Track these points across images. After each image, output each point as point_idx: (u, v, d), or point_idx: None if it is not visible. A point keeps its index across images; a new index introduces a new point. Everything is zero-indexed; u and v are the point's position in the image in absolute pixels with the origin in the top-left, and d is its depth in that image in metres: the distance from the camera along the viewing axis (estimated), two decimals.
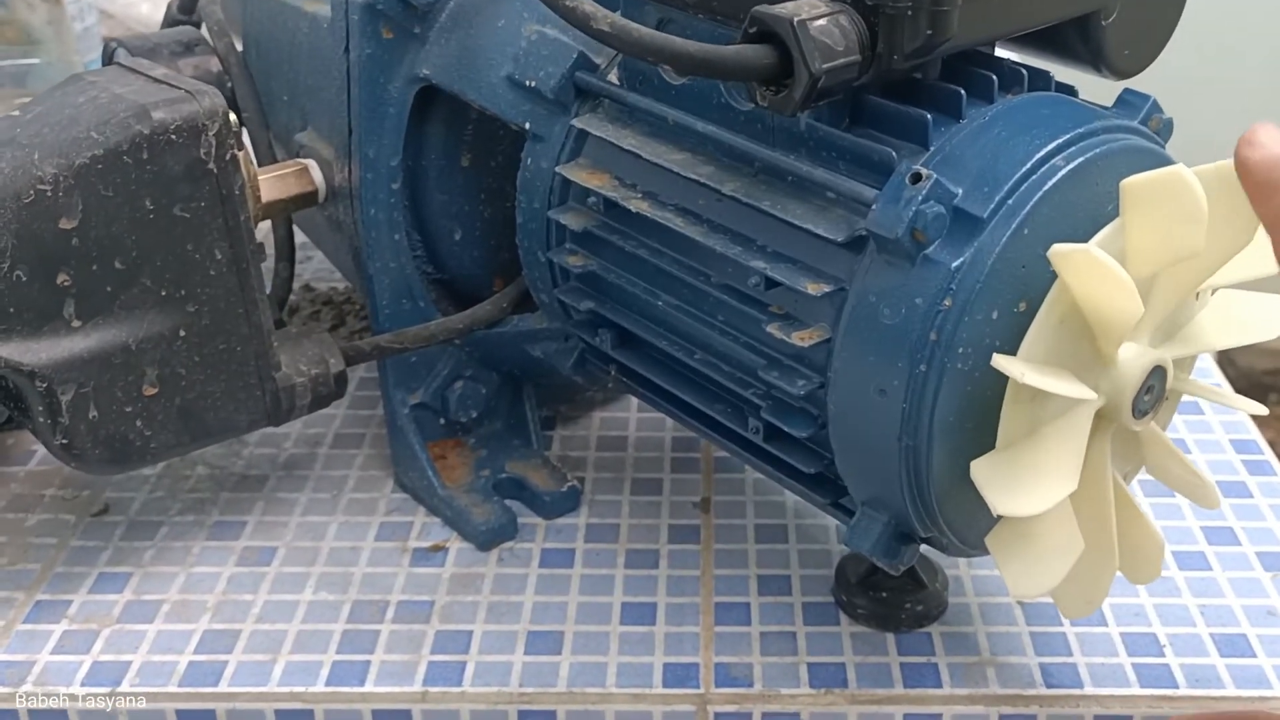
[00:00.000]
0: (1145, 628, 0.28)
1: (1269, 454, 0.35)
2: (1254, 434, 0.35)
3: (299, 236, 0.44)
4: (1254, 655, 0.28)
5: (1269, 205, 0.20)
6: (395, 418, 0.32)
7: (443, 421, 0.32)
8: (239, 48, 0.34)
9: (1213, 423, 0.36)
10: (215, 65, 0.33)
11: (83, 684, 0.26)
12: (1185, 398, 0.36)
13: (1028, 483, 0.21)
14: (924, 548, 0.27)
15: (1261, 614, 0.29)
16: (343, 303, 0.40)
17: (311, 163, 0.30)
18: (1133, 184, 0.21)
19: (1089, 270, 0.20)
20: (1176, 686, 0.27)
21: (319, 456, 0.34)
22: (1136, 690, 0.26)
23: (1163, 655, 0.28)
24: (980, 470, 0.21)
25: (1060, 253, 0.21)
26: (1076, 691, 0.26)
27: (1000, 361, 0.21)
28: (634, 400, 0.37)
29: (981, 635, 0.28)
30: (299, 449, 0.34)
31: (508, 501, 0.31)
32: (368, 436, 0.35)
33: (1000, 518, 0.23)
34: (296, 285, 0.41)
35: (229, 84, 0.32)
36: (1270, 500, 0.33)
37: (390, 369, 0.31)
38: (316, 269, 0.43)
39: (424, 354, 0.31)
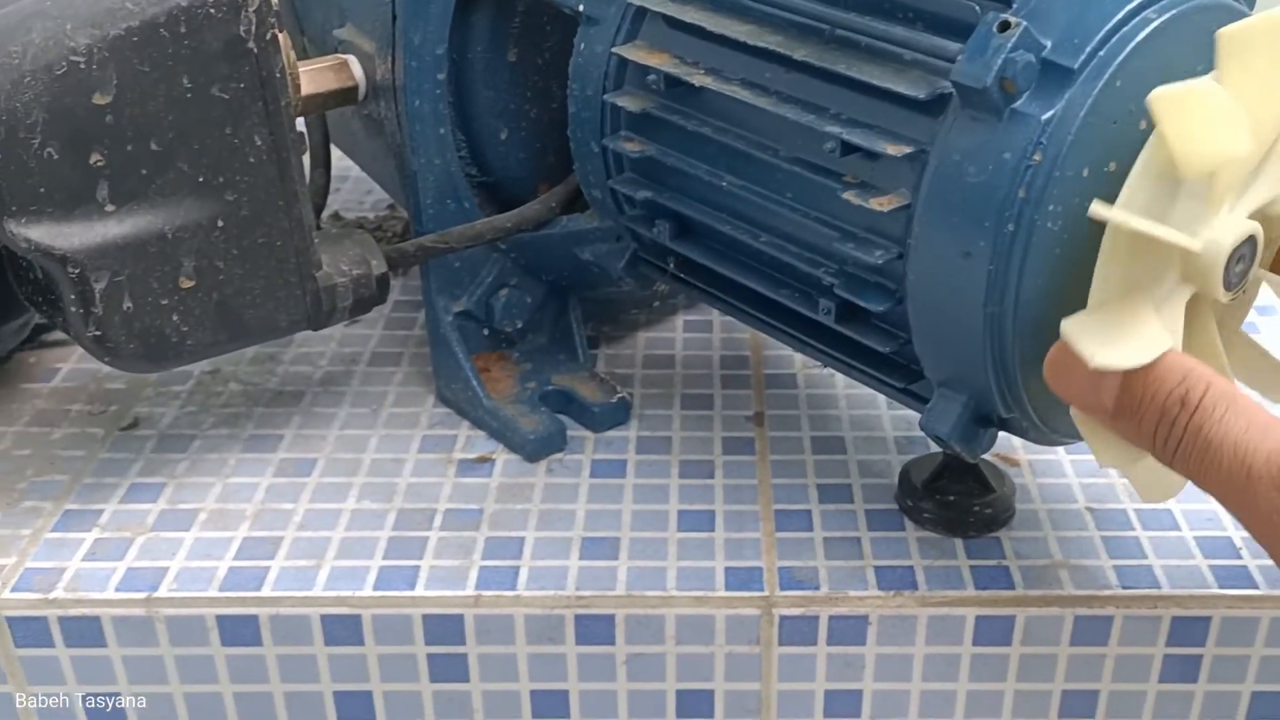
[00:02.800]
0: (1220, 531, 0.27)
1: None
2: None
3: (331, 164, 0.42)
4: None
5: None
6: (438, 326, 0.30)
7: (486, 333, 0.31)
8: None
9: (1267, 340, 0.35)
10: None
11: (117, 590, 0.25)
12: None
13: (1126, 335, 0.20)
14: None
15: None
16: (373, 230, 0.39)
17: (351, 58, 0.29)
18: (1231, 31, 0.20)
19: (1195, 112, 0.19)
20: (1257, 587, 0.26)
21: (356, 373, 0.33)
22: (1216, 590, 0.26)
23: (1239, 557, 0.27)
24: (1072, 325, 0.20)
25: (1162, 97, 0.19)
26: (1154, 592, 0.25)
27: (1099, 209, 0.20)
28: (680, 319, 0.36)
29: (1052, 540, 0.27)
30: (334, 366, 0.33)
31: (556, 415, 0.30)
32: (406, 355, 0.34)
33: None
34: (325, 215, 0.40)
35: None
36: None
37: (433, 275, 0.30)
38: (345, 199, 0.42)
39: (468, 261, 0.30)
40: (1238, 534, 0.28)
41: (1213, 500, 0.29)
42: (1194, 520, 0.28)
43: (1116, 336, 0.20)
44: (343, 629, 0.25)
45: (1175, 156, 0.20)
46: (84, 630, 0.25)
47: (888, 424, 0.31)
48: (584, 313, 0.33)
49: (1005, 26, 0.20)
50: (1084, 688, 0.26)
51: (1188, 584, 0.26)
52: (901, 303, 0.23)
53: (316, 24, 0.31)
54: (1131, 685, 0.26)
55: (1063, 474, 0.30)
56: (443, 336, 0.30)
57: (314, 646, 0.25)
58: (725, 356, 0.34)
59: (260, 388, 0.32)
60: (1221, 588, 0.26)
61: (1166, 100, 0.20)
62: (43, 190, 0.24)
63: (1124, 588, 0.26)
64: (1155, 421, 0.20)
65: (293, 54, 0.27)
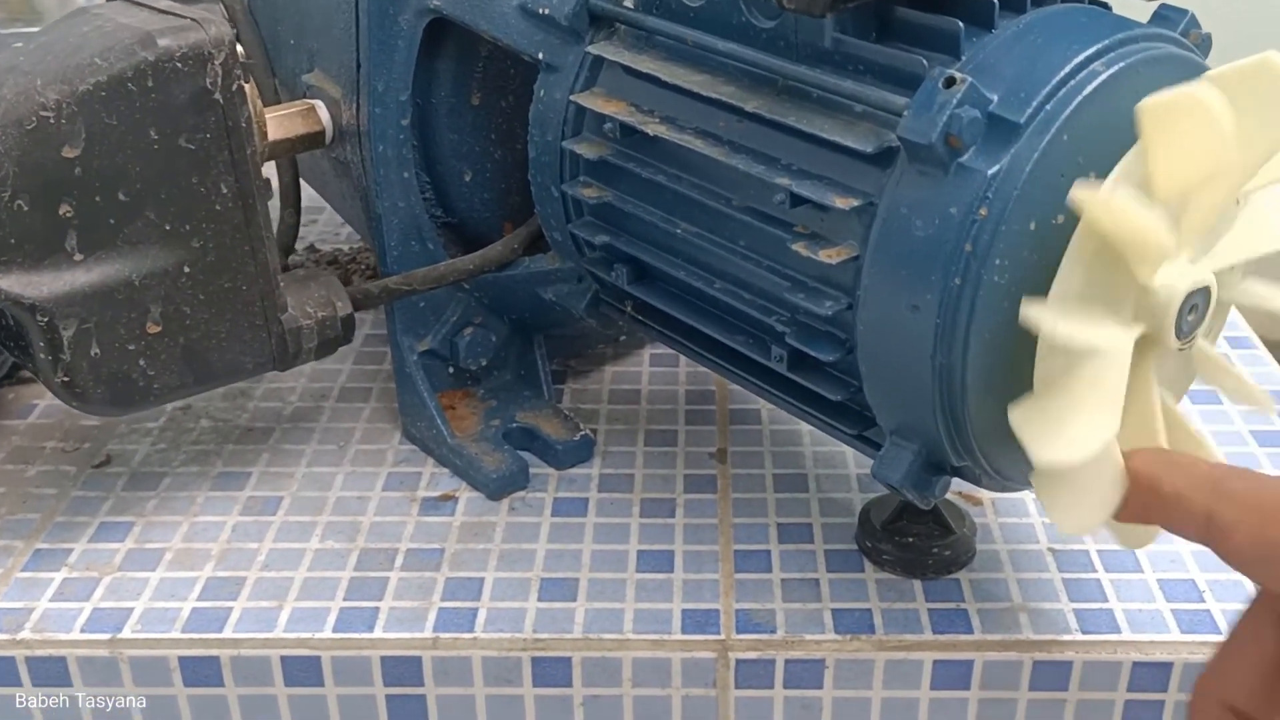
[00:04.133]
0: (1183, 574, 0.27)
1: None
2: None
3: (307, 198, 0.43)
4: None
5: None
6: (403, 365, 0.31)
7: (451, 370, 0.31)
8: None
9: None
10: (220, 12, 0.32)
11: (83, 630, 0.25)
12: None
13: (1068, 427, 0.20)
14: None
15: None
16: (348, 263, 0.40)
17: (319, 103, 0.30)
18: (1149, 106, 0.20)
19: (1113, 212, 0.20)
20: (1219, 632, 0.26)
21: (325, 409, 0.33)
22: (1177, 636, 0.25)
23: (1203, 601, 0.27)
24: (1018, 416, 0.21)
25: (1080, 198, 0.20)
26: (1114, 637, 0.25)
27: (1029, 313, 0.20)
28: (646, 354, 0.36)
29: (1012, 582, 0.27)
30: (304, 402, 0.34)
31: (519, 453, 0.31)
32: (374, 390, 0.34)
33: None
34: (301, 246, 0.41)
35: (234, 31, 0.32)
36: None
37: (398, 314, 0.31)
38: (322, 230, 0.43)
39: (433, 300, 0.31)
40: (1202, 576, 0.28)
41: (1176, 541, 0.29)
42: (1157, 562, 0.28)
43: (1059, 428, 0.20)
44: (302, 670, 0.25)
45: (1112, 244, 0.20)
46: (50, 670, 0.25)
47: (851, 460, 0.31)
48: (551, 346, 0.33)
49: (951, 82, 0.21)
50: None
51: (1149, 629, 0.26)
52: (852, 352, 0.23)
53: (287, 68, 0.32)
54: None
55: (1026, 513, 0.30)
56: (408, 375, 0.31)
57: (275, 687, 0.26)
58: (691, 391, 0.34)
59: (231, 424, 0.33)
60: (1183, 633, 0.26)
61: (1088, 201, 0.20)
62: (13, 241, 0.24)
63: (1084, 632, 0.26)
64: None
65: (259, 103, 0.27)
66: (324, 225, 0.43)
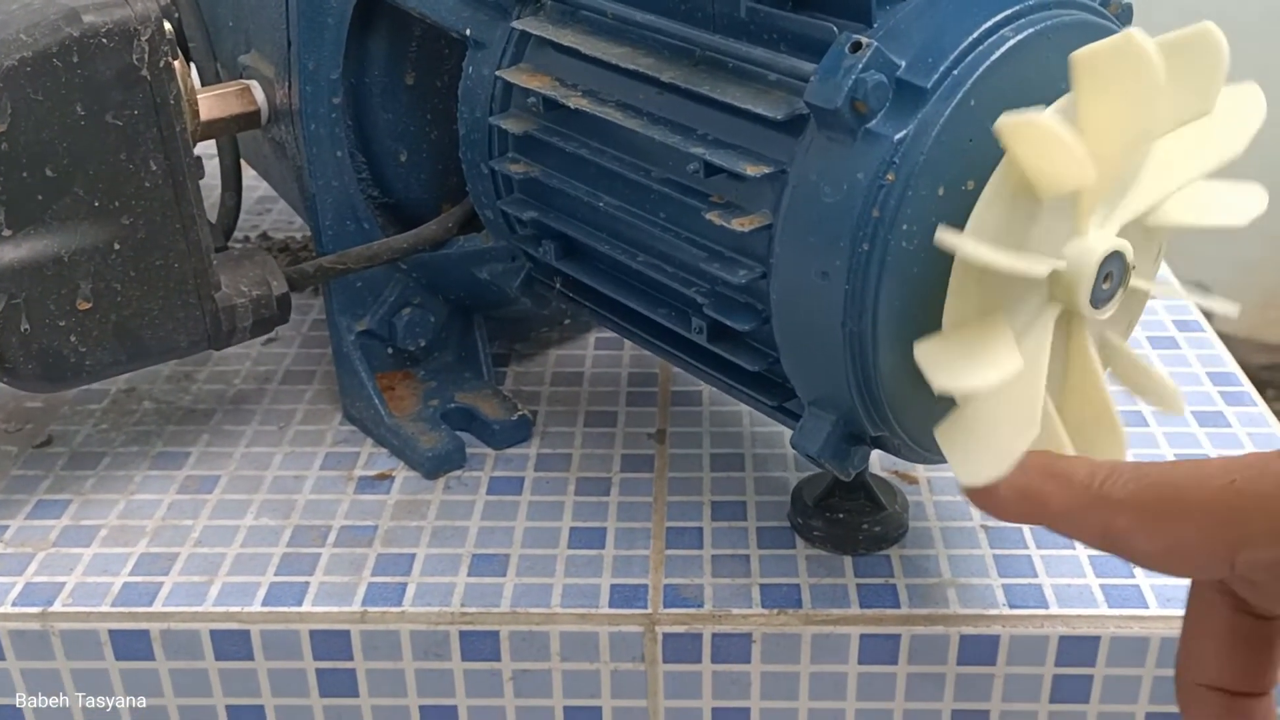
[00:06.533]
0: None
1: (1247, 384, 0.34)
2: (1231, 366, 0.34)
3: (263, 189, 0.43)
4: None
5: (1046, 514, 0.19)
6: (341, 345, 0.31)
7: (390, 351, 0.31)
8: None
9: (1189, 356, 0.35)
10: None
11: (14, 604, 0.26)
12: (1160, 334, 0.36)
13: (971, 359, 0.20)
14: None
15: None
16: (299, 249, 0.40)
17: (254, 83, 0.30)
18: (1084, 54, 0.20)
19: (1038, 142, 0.20)
20: (1146, 606, 0.26)
21: (268, 391, 0.33)
22: (1104, 610, 0.25)
23: (1132, 576, 0.27)
24: (924, 348, 0.21)
25: (1007, 125, 0.20)
26: (1041, 611, 0.25)
27: (945, 236, 0.20)
28: (591, 337, 0.36)
29: (943, 558, 0.27)
30: (248, 384, 0.34)
31: (458, 433, 0.31)
32: (318, 373, 0.34)
33: (952, 408, 0.22)
34: (254, 234, 0.41)
35: (176, 14, 0.32)
36: (1249, 429, 0.32)
37: (336, 295, 0.31)
38: (276, 219, 0.43)
39: (370, 280, 0.31)
40: None
41: None
42: None
43: (963, 360, 0.20)
44: (232, 644, 0.26)
45: (1032, 180, 0.20)
46: None
47: (789, 440, 0.31)
48: (496, 330, 0.33)
49: (857, 47, 0.21)
50: (974, 707, 0.26)
51: (1076, 604, 0.26)
52: (768, 322, 0.23)
53: (227, 51, 0.32)
54: (1023, 705, 0.26)
55: (960, 491, 0.29)
56: (346, 355, 0.31)
57: (205, 661, 0.26)
58: (634, 374, 0.34)
59: (173, 405, 0.33)
60: (1111, 607, 0.26)
61: (1014, 128, 0.20)
62: None
63: (1011, 607, 0.26)
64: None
65: (190, 81, 0.27)
66: (279, 214, 0.43)
